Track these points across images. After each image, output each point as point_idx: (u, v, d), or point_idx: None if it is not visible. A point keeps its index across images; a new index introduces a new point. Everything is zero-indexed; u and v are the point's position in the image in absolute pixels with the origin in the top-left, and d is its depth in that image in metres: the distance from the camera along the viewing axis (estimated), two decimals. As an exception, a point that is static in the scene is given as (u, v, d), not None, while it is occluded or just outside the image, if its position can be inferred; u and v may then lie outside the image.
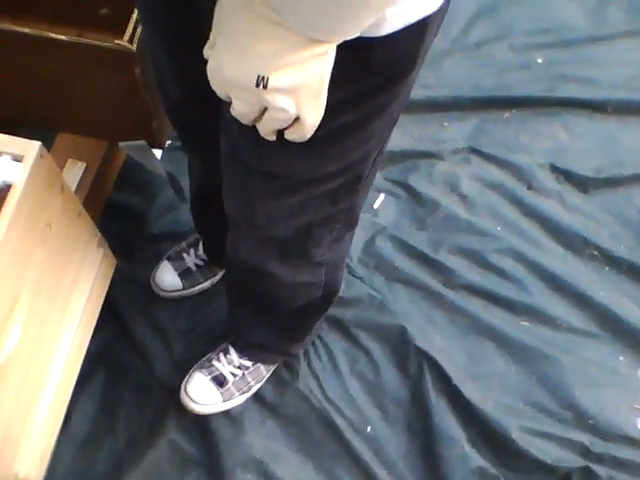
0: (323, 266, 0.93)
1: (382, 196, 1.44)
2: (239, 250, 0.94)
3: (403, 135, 1.51)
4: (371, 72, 0.57)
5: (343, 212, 0.81)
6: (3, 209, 0.78)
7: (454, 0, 1.73)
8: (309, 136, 0.56)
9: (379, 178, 1.46)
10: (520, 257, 1.38)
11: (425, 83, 1.58)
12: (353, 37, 0.49)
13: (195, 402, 1.19)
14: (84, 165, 1.11)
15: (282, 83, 0.49)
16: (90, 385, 1.24)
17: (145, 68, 0.96)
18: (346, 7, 0.46)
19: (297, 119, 0.54)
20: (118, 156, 1.25)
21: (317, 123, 0.55)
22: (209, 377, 1.20)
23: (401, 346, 1.28)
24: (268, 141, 0.58)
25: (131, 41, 0.92)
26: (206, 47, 0.53)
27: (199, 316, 1.30)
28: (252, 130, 0.57)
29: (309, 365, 1.26)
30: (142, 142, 1.12)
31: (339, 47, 0.51)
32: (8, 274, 0.81)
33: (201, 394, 1.19)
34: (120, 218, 1.34)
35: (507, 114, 1.58)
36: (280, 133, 0.57)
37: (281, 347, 1.19)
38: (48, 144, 1.16)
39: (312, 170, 0.70)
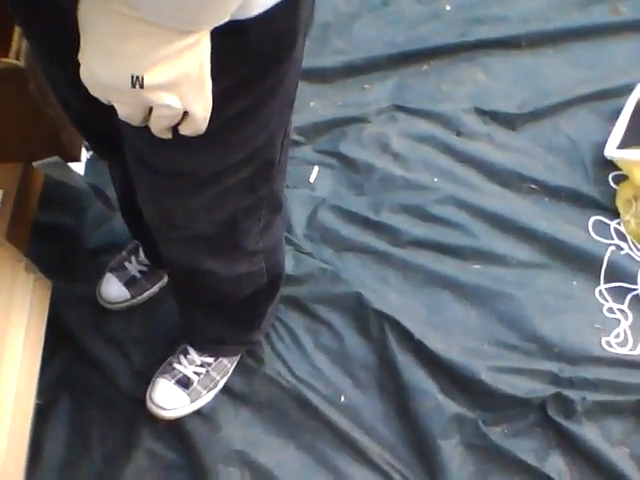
0: (259, 254, 0.93)
1: (316, 169, 1.44)
2: (170, 253, 0.93)
3: (326, 104, 1.51)
4: (252, 54, 0.57)
5: (264, 199, 0.80)
6: None
7: None
8: (204, 128, 0.55)
9: (310, 151, 1.46)
10: (460, 203, 1.39)
11: (339, 49, 1.58)
12: (223, 22, 0.48)
13: (163, 408, 1.18)
14: (1, 192, 1.08)
15: (159, 80, 0.48)
16: (56, 412, 1.21)
17: (41, 82, 0.93)
18: (200, 4, 0.45)
19: (186, 113, 0.53)
20: (36, 177, 1.21)
21: (207, 114, 0.54)
22: (173, 381, 1.18)
23: (360, 312, 1.28)
24: (165, 140, 0.57)
25: (17, 57, 0.89)
26: (79, 54, 0.51)
27: (153, 322, 1.28)
28: (148, 131, 0.56)
29: (273, 348, 1.26)
30: (56, 158, 1.09)
31: (213, 33, 0.49)
32: None
33: (168, 399, 1.17)
34: (52, 239, 1.31)
35: (425, 66, 1.58)
36: (175, 130, 0.56)
37: (239, 337, 1.18)
38: (-39, 177, 1.13)
39: (218, 162, 0.69)
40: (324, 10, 1.64)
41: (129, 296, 1.28)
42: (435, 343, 1.25)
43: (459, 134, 1.48)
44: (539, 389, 1.23)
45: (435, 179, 1.42)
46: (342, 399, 1.23)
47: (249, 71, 0.59)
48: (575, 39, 1.64)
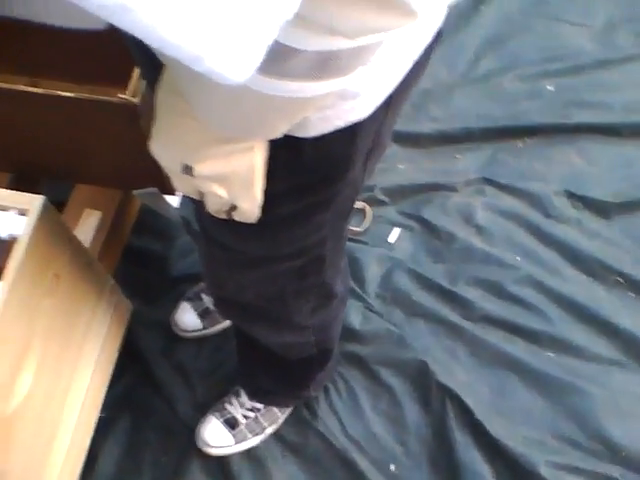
0: (309, 328, 0.89)
1: (397, 230, 1.38)
2: (224, 310, 0.93)
3: (415, 169, 1.46)
4: (304, 169, 0.55)
5: (315, 286, 0.78)
6: (9, 262, 0.77)
7: (461, 33, 1.67)
8: (254, 220, 0.54)
9: (393, 212, 1.40)
10: (541, 286, 1.29)
11: (435, 116, 1.53)
12: (277, 137, 0.47)
13: (208, 445, 1.14)
14: (100, 214, 1.09)
15: (207, 172, 0.48)
16: (115, 429, 1.20)
17: (150, 118, 0.94)
18: (250, 118, 0.44)
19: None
20: (133, 203, 1.23)
21: (255, 210, 0.53)
22: (221, 420, 1.15)
23: (422, 381, 1.20)
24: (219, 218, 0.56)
25: (134, 94, 0.89)
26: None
27: (220, 356, 1.25)
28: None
29: (329, 403, 1.19)
30: (154, 189, 1.09)
31: (271, 142, 0.49)
32: (17, 324, 0.79)
33: (214, 437, 1.14)
34: (140, 262, 1.31)
35: (520, 143, 1.51)
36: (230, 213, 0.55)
37: (288, 392, 1.13)
38: (67, 196, 1.15)
39: (266, 249, 0.67)
40: (425, 77, 1.60)
41: (201, 326, 1.26)
42: (496, 427, 1.15)
43: (547, 216, 1.38)
44: (599, 494, 1.10)
45: (517, 257, 1.33)
46: (392, 468, 1.14)
47: (300, 182, 0.57)
48: (679, 134, 1.52)
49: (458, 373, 1.20)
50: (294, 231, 0.64)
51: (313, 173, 0.56)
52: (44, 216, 0.79)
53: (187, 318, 1.26)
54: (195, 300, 1.27)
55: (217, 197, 0.51)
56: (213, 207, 0.54)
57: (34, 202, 0.79)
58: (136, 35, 0.29)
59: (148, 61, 0.60)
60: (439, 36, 0.58)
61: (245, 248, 0.68)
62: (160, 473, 1.18)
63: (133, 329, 1.20)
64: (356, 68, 0.42)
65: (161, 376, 1.24)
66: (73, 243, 0.87)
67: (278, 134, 0.47)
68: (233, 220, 0.55)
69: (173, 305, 1.28)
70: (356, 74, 0.42)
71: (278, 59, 0.36)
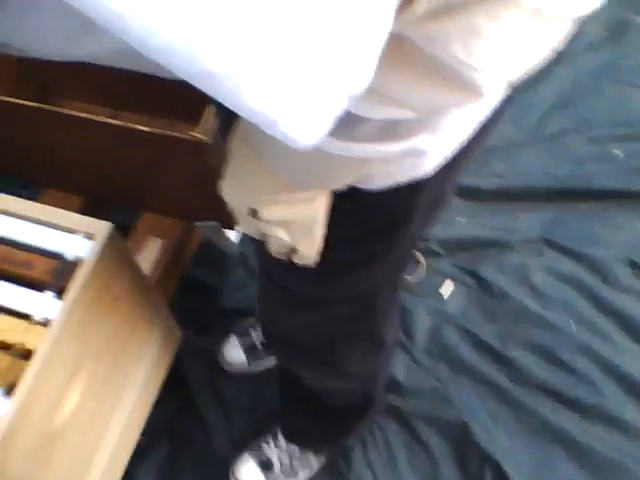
0: (356, 376, 0.89)
1: (450, 284, 1.36)
2: (273, 348, 0.95)
3: (474, 223, 1.44)
4: (365, 220, 0.57)
5: (366, 334, 0.78)
6: (73, 282, 0.80)
7: (531, 92, 1.64)
8: (312, 264, 0.57)
9: (447, 264, 1.39)
10: (595, 356, 1.23)
11: (498, 172, 1.51)
12: (340, 188, 0.50)
13: (241, 486, 1.13)
14: (161, 242, 1.13)
15: (272, 217, 0.51)
16: (153, 455, 1.20)
17: (219, 158, 0.97)
18: (316, 172, 0.48)
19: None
20: (195, 235, 1.26)
21: (314, 254, 0.55)
22: (256, 461, 1.14)
23: (463, 443, 1.16)
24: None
25: (206, 133, 0.93)
26: None
27: (262, 394, 1.25)
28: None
29: (365, 455, 1.16)
30: (215, 223, 1.12)
31: (335, 192, 0.51)
32: (72, 343, 0.82)
33: (247, 477, 1.13)
34: (195, 292, 1.33)
35: (584, 206, 1.47)
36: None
37: (327, 437, 1.11)
38: (134, 221, 1.20)
39: (321, 292, 0.69)
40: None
41: (246, 362, 1.26)
42: (536, 500, 1.10)
43: (607, 283, 1.33)
44: None
45: (572, 324, 1.29)
46: (424, 530, 1.11)
47: (360, 232, 0.59)
48: None
49: (500, 438, 1.16)
50: (350, 277, 0.65)
51: (373, 224, 0.58)
52: (110, 242, 0.82)
53: (233, 352, 1.27)
54: (243, 335, 1.28)
55: (279, 240, 0.53)
56: (274, 248, 0.56)
57: (101, 227, 0.82)
58: (215, 98, 0.31)
59: (224, 107, 0.63)
60: (509, 99, 0.58)
61: (301, 289, 0.69)
62: (191, 504, 1.17)
63: (181, 357, 1.21)
64: (422, 134, 0.42)
65: (202, 407, 1.25)
66: (134, 270, 0.90)
67: (341, 186, 0.49)
68: (292, 262, 0.57)
69: (222, 338, 1.30)
70: (422, 137, 0.43)
71: (346, 125, 0.38)
